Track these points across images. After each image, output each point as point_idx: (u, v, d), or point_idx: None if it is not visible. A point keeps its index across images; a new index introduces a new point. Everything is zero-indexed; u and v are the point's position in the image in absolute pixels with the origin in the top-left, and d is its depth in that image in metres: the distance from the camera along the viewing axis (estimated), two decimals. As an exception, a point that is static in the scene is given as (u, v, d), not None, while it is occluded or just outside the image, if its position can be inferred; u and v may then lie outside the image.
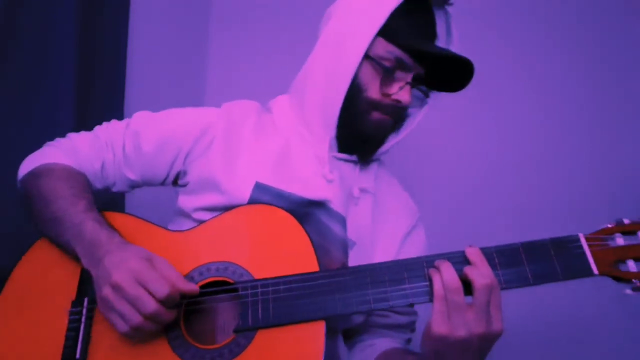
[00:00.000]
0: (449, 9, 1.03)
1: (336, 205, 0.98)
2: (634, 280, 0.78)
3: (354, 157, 1.05)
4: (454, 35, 1.04)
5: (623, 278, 0.79)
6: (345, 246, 0.97)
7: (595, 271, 0.79)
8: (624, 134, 1.73)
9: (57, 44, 1.28)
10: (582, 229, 0.83)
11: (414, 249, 1.05)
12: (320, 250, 0.90)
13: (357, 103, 0.98)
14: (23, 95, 1.24)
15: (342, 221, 0.98)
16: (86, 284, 0.89)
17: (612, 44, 1.78)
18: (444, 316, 0.75)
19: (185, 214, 1.01)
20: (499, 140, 1.77)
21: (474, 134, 1.78)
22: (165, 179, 1.05)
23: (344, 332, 1.05)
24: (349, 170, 1.04)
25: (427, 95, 1.06)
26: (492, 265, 0.79)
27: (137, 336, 0.81)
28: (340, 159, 1.04)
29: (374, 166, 1.10)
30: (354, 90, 0.98)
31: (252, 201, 0.95)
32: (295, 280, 0.84)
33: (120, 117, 1.45)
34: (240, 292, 0.85)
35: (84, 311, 0.88)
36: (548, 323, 1.60)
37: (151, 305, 0.77)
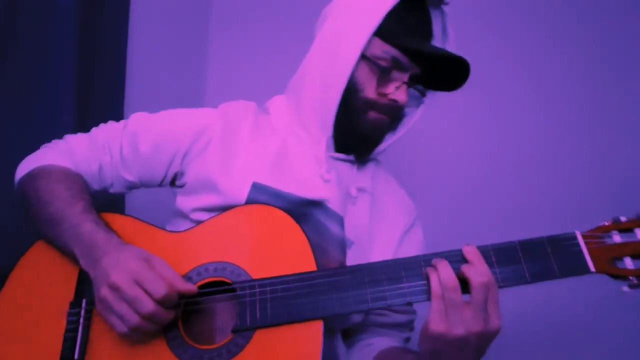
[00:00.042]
0: (445, 8, 1.03)
1: (334, 204, 0.98)
2: (631, 277, 0.78)
3: (351, 157, 1.05)
4: (450, 34, 1.04)
5: (620, 275, 0.79)
6: (343, 246, 0.97)
7: (592, 269, 0.79)
8: (624, 134, 1.72)
9: (57, 44, 1.29)
10: (581, 229, 0.83)
11: (412, 247, 1.06)
12: (318, 249, 0.90)
13: (353, 103, 0.99)
14: (23, 95, 1.24)
15: (340, 221, 0.98)
16: (84, 285, 0.90)
17: (612, 44, 1.78)
18: (441, 314, 0.75)
19: (183, 215, 1.01)
20: (498, 140, 1.77)
21: (474, 133, 1.78)
22: (163, 180, 1.05)
23: (343, 332, 1.05)
24: (346, 169, 1.05)
25: (423, 95, 1.06)
26: (489, 264, 0.79)
27: (135, 337, 0.81)
28: (338, 159, 1.04)
29: (371, 166, 1.10)
30: (351, 90, 0.98)
31: (249, 201, 0.95)
32: (293, 280, 0.84)
33: (120, 117, 1.46)
34: (238, 292, 0.85)
35: (82, 312, 0.88)
36: (548, 323, 1.60)
37: (149, 306, 0.77)
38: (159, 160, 1.02)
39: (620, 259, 0.79)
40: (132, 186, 1.06)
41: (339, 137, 1.03)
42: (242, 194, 0.95)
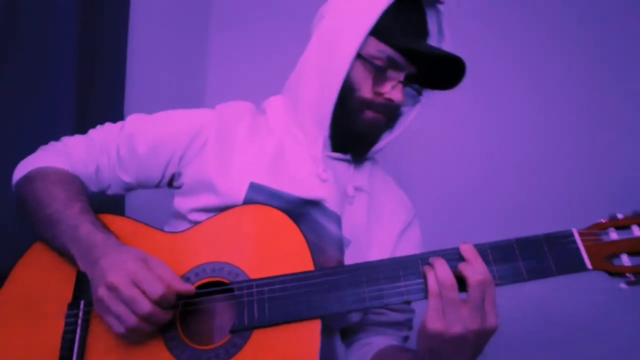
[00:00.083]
0: (441, 7, 1.04)
1: (331, 204, 0.98)
2: (628, 274, 0.78)
3: (347, 156, 1.05)
4: (446, 33, 1.04)
5: (617, 272, 0.78)
6: (341, 245, 0.97)
7: (589, 266, 0.79)
8: (624, 134, 1.72)
9: (57, 44, 1.29)
10: (580, 228, 0.82)
11: (410, 246, 1.06)
12: (316, 249, 0.90)
13: (349, 102, 0.99)
14: (23, 95, 1.25)
15: (338, 220, 0.98)
16: (82, 287, 0.89)
17: (612, 44, 1.78)
18: (438, 313, 0.75)
19: (180, 216, 1.01)
20: (498, 140, 1.77)
21: (473, 133, 1.78)
22: (160, 181, 1.05)
23: (341, 331, 1.05)
24: (343, 169, 1.05)
25: (420, 94, 1.06)
26: (486, 262, 0.79)
27: (133, 337, 0.81)
28: (334, 158, 1.04)
29: (368, 165, 1.10)
30: (347, 90, 0.98)
31: (247, 201, 0.95)
32: (290, 279, 0.84)
33: (120, 117, 1.46)
34: (236, 293, 0.85)
35: (81, 313, 0.88)
36: (547, 322, 1.60)
37: (146, 306, 0.77)
38: (156, 162, 1.02)
39: (617, 256, 0.79)
40: (129, 187, 1.06)
41: (335, 136, 1.03)
42: (240, 194, 0.95)
